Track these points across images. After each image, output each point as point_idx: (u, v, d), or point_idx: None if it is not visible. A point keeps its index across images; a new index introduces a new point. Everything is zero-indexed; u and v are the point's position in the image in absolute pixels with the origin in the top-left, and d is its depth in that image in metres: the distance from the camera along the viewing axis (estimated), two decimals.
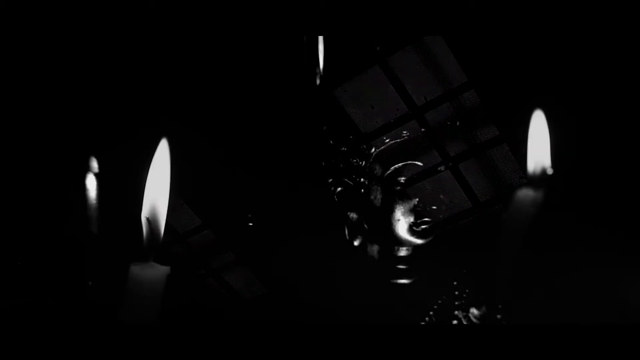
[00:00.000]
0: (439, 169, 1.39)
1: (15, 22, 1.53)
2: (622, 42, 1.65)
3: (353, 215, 1.42)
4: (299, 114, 1.53)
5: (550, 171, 1.23)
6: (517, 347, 1.31)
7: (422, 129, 1.38)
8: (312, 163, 1.44)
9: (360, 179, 1.39)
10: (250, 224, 1.51)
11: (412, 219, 1.38)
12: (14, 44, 1.54)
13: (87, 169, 1.48)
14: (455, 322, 1.43)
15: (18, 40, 1.54)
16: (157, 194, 1.11)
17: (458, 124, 1.40)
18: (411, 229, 1.39)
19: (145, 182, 1.17)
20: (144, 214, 1.10)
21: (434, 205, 1.38)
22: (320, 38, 1.52)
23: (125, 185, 1.45)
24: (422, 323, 1.42)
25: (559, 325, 1.34)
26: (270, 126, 1.58)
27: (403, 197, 1.38)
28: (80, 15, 1.55)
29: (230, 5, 1.58)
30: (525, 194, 1.21)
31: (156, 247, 1.09)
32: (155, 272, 1.07)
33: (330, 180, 1.42)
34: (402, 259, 1.44)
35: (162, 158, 1.14)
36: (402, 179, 1.37)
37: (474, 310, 1.42)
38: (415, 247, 1.42)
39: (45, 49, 1.55)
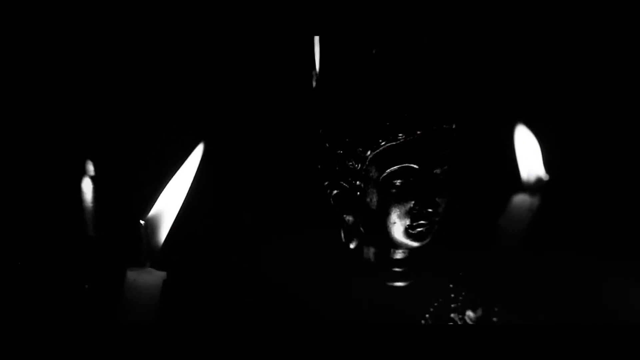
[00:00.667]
0: (434, 171, 1.38)
1: (15, 22, 1.53)
2: (617, 44, 1.65)
3: (349, 218, 1.41)
4: (295, 116, 1.53)
5: (545, 177, 1.24)
6: (515, 348, 1.31)
7: (418, 132, 1.37)
8: (309, 166, 1.43)
9: (356, 182, 1.39)
10: (247, 226, 1.51)
11: (408, 222, 1.38)
12: (14, 44, 1.54)
13: (85, 171, 1.48)
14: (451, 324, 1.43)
15: (17, 40, 1.54)
16: (170, 201, 1.11)
17: (454, 126, 1.40)
18: (407, 232, 1.38)
19: (144, 184, 1.17)
20: (143, 218, 1.10)
21: (430, 208, 1.38)
22: (317, 39, 1.52)
23: (124, 187, 1.45)
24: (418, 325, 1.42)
25: (558, 325, 1.34)
26: (266, 128, 1.58)
27: (399, 199, 1.37)
28: (80, 15, 1.55)
29: (230, 5, 1.58)
30: (522, 199, 1.21)
31: (153, 252, 1.09)
32: (151, 277, 1.07)
33: (326, 183, 1.42)
34: (398, 262, 1.44)
35: (193, 165, 1.14)
36: (398, 182, 1.37)
37: (470, 313, 1.42)
38: (411, 249, 1.42)
39: (45, 49, 1.55)
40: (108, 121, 1.56)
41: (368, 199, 1.38)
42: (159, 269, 1.07)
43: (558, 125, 1.45)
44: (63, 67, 1.55)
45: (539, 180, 1.22)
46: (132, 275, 1.06)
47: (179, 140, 1.33)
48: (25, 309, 1.35)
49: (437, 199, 1.37)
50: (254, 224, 1.52)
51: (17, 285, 1.41)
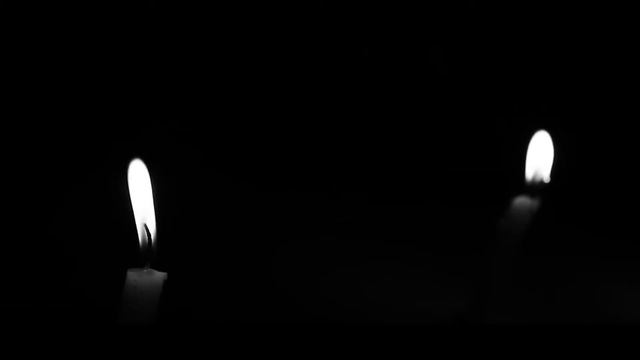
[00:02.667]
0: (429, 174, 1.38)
1: (14, 22, 1.53)
2: (620, 46, 1.65)
3: (345, 220, 1.42)
4: (290, 120, 1.53)
5: (547, 180, 1.23)
6: (513, 348, 1.31)
7: (413, 135, 1.38)
8: (303, 170, 1.44)
9: (350, 185, 1.39)
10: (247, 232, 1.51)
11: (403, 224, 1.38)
12: (12, 43, 1.54)
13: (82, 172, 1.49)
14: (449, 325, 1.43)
15: (16, 40, 1.54)
16: (145, 204, 1.11)
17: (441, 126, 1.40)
18: (402, 234, 1.39)
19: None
20: (140, 220, 1.10)
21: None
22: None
23: (122, 188, 1.45)
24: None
25: (557, 325, 1.34)
26: (261, 131, 1.58)
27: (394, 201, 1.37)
28: (80, 15, 1.55)
29: (229, 5, 1.58)
30: (522, 201, 1.20)
31: (153, 253, 1.09)
32: (152, 278, 1.07)
33: (321, 187, 1.42)
34: (395, 264, 1.44)
35: (139, 176, 1.13)
36: (393, 183, 1.37)
37: (465, 315, 1.42)
38: (407, 252, 1.42)
39: (44, 50, 1.55)
40: (107, 121, 1.56)
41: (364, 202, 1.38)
42: (159, 269, 1.07)
43: (561, 127, 1.45)
44: (62, 67, 1.55)
45: (541, 182, 1.22)
46: (133, 276, 1.06)
47: (179, 140, 1.33)
48: (25, 309, 1.35)
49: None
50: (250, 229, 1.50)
51: (16, 285, 1.41)
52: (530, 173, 1.23)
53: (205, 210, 1.50)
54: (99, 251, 1.45)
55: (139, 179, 1.11)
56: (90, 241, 1.46)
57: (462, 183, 1.46)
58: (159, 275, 1.07)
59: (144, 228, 1.08)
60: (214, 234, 1.50)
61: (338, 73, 1.52)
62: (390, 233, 1.53)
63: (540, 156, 1.25)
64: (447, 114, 1.47)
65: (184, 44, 1.58)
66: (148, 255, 1.08)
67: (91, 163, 1.52)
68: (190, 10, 1.58)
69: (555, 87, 1.66)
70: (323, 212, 1.44)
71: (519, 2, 1.65)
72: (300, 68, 1.55)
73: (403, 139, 1.56)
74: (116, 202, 1.48)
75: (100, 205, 1.49)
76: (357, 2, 1.54)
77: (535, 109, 1.54)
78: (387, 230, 1.54)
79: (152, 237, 1.08)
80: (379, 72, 1.48)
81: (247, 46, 1.59)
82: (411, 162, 1.56)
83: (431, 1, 1.57)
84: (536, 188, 1.22)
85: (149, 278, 1.07)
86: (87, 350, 1.12)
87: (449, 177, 1.48)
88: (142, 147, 1.50)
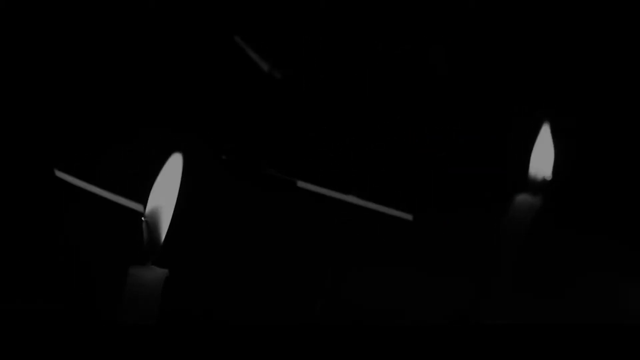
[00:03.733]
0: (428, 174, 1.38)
1: (15, 22, 1.53)
2: (621, 47, 1.65)
3: (345, 220, 1.41)
4: (290, 120, 1.53)
5: (549, 177, 1.24)
6: (513, 347, 1.31)
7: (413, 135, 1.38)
8: (303, 170, 1.43)
9: (351, 187, 1.39)
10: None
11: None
12: (13, 43, 1.54)
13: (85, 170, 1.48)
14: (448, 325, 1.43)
15: (17, 40, 1.54)
16: (162, 199, 1.11)
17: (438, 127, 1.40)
18: (402, 235, 1.38)
19: (149, 184, 1.17)
20: (144, 216, 1.10)
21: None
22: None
23: (125, 186, 1.45)
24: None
25: (556, 325, 1.34)
26: (261, 131, 1.58)
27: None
28: (80, 15, 1.55)
29: (229, 5, 1.59)
30: (523, 199, 1.21)
31: (155, 249, 1.09)
32: (154, 274, 1.08)
33: (322, 186, 1.41)
34: (394, 264, 1.44)
35: (174, 169, 1.13)
36: (393, 184, 1.37)
37: (466, 317, 1.42)
38: (407, 252, 1.42)
39: (44, 49, 1.55)
40: (107, 121, 1.56)
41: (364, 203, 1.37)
42: (161, 266, 1.07)
43: (562, 126, 1.45)
44: (62, 67, 1.55)
45: (543, 180, 1.22)
46: (134, 272, 1.06)
47: (182, 140, 1.33)
48: (25, 309, 1.35)
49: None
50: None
51: (16, 285, 1.41)
52: (532, 171, 1.23)
53: (205, 209, 1.50)
54: (100, 250, 1.45)
55: (170, 178, 1.11)
56: (91, 240, 1.46)
57: (463, 183, 1.46)
58: (160, 272, 1.08)
59: (154, 224, 1.08)
60: (214, 233, 1.50)
61: (338, 73, 1.52)
62: (390, 233, 1.53)
63: (542, 153, 1.25)
64: (447, 114, 1.47)
65: (184, 43, 1.58)
66: (150, 252, 1.08)
67: (91, 163, 1.52)
68: (190, 10, 1.58)
69: (555, 87, 1.66)
70: (323, 212, 1.44)
71: (519, 2, 1.65)
72: (300, 68, 1.55)
73: (403, 139, 1.56)
74: (116, 202, 1.48)
75: (100, 205, 1.49)
76: (357, 2, 1.54)
77: (536, 108, 1.54)
78: (386, 231, 1.53)
79: (162, 233, 1.08)
80: (379, 72, 1.48)
81: (246, 46, 1.59)
82: (411, 162, 1.56)
83: (431, 1, 1.57)
84: (538, 185, 1.22)
85: (151, 274, 1.07)
86: (87, 350, 1.12)
87: (449, 177, 1.48)
88: (141, 147, 1.51)
